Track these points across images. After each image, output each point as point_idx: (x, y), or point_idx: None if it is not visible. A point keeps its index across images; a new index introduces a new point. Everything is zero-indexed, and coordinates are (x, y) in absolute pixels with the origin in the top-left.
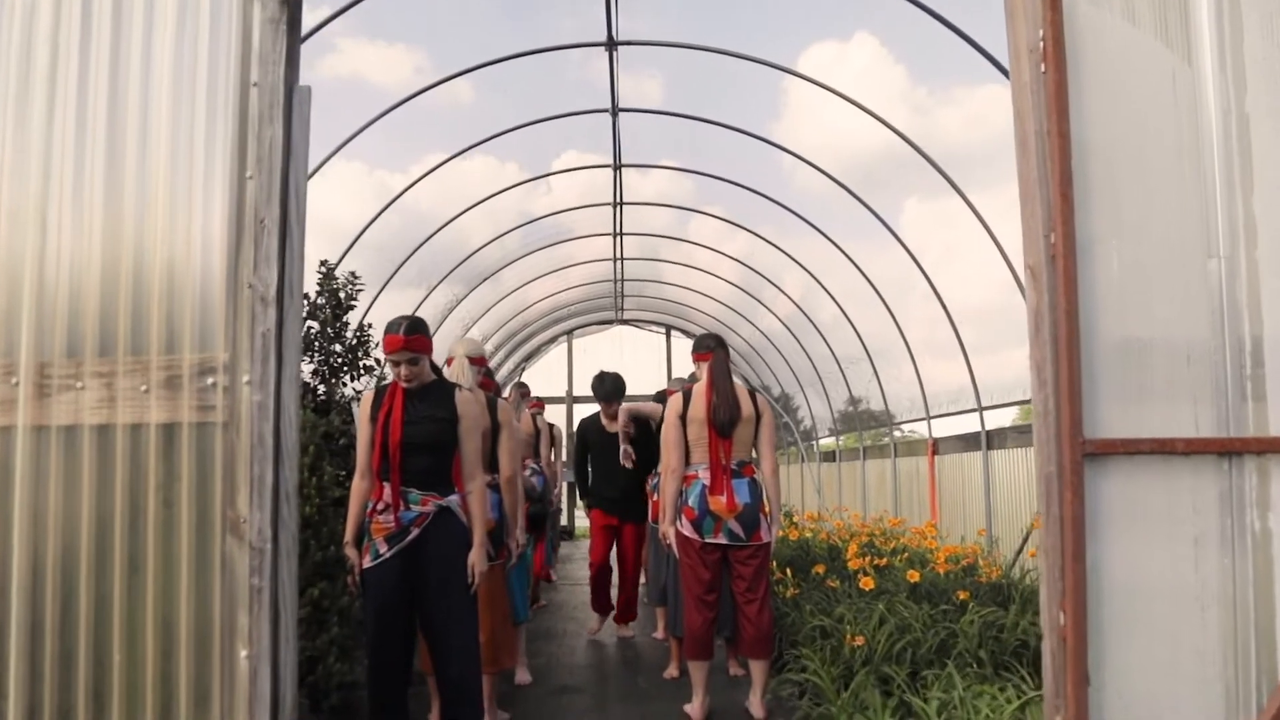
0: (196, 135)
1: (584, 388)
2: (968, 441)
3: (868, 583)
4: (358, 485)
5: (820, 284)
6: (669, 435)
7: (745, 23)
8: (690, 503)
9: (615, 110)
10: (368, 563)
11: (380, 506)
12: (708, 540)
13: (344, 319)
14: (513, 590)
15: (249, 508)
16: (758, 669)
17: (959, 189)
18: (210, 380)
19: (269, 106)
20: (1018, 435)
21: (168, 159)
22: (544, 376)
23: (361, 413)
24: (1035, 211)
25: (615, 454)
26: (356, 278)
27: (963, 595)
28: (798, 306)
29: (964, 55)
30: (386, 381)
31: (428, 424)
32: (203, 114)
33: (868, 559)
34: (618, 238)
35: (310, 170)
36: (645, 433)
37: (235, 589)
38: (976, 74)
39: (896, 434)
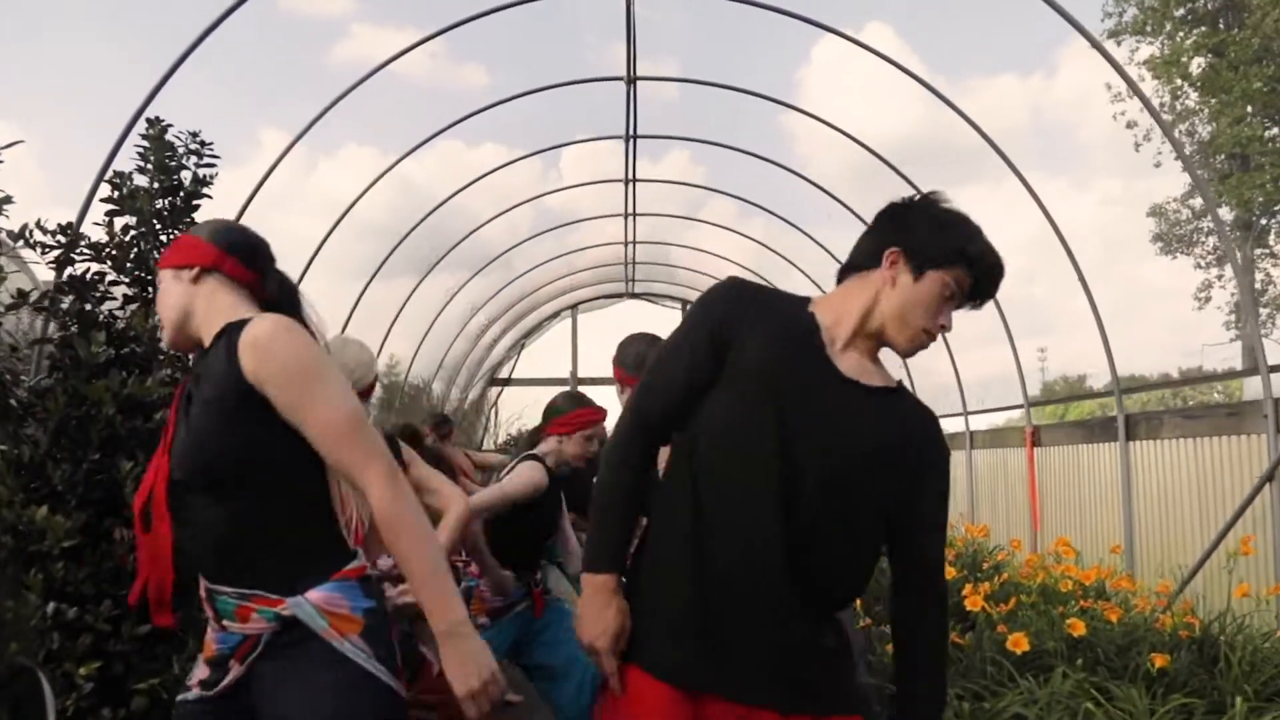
0: None
1: (589, 369)
2: (1090, 430)
3: (1019, 642)
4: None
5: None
6: None
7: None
8: None
9: (631, 136)
10: (189, 691)
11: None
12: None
13: (191, 216)
14: None
15: None
16: None
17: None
18: None
19: None
20: (1181, 421)
21: None
22: (545, 356)
23: None
24: None
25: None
26: (206, 144)
27: (1159, 661)
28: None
29: (982, 45)
30: None
31: (190, 428)
32: None
33: (984, 589)
34: (629, 218)
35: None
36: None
37: None
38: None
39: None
